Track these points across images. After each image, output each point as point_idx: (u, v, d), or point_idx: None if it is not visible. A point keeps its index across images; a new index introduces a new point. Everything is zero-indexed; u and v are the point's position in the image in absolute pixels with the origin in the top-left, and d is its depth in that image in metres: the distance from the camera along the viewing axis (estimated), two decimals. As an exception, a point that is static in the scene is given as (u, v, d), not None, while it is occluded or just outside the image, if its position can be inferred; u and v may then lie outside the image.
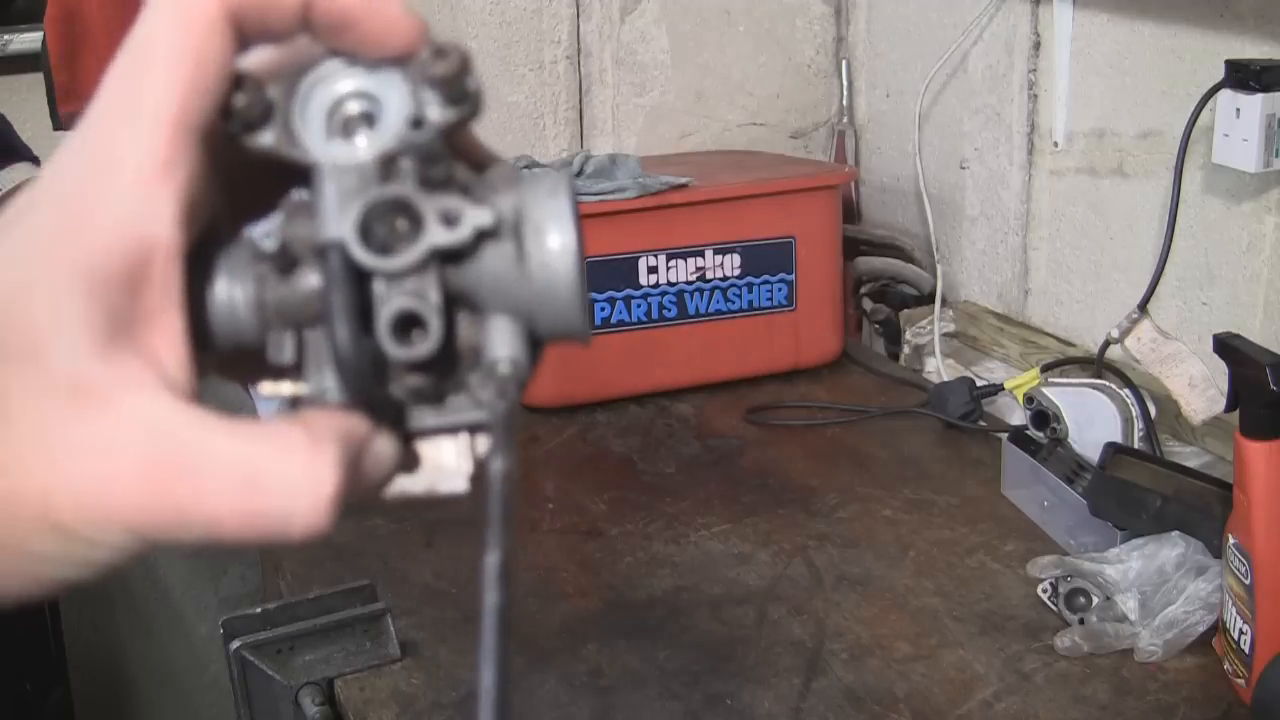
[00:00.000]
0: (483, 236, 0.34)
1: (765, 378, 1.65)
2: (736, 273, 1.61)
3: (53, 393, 0.30)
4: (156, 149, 0.31)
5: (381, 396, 0.34)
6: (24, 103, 1.55)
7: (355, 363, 0.33)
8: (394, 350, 0.33)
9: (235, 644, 1.02)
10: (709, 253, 1.60)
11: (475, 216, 0.33)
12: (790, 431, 1.53)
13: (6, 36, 1.60)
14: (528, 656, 1.07)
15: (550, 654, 1.07)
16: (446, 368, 0.35)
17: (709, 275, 1.60)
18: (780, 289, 1.64)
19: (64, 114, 1.52)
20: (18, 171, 1.42)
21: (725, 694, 1.01)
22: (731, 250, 1.60)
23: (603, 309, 1.56)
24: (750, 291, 1.62)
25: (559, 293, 0.34)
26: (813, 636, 1.09)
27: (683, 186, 1.56)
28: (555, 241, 0.34)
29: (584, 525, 1.30)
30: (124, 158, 0.31)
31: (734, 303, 1.62)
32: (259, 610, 1.04)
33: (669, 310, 1.59)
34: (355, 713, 1.00)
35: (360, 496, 0.34)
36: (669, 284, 1.58)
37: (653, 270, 1.57)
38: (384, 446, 0.34)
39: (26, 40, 1.59)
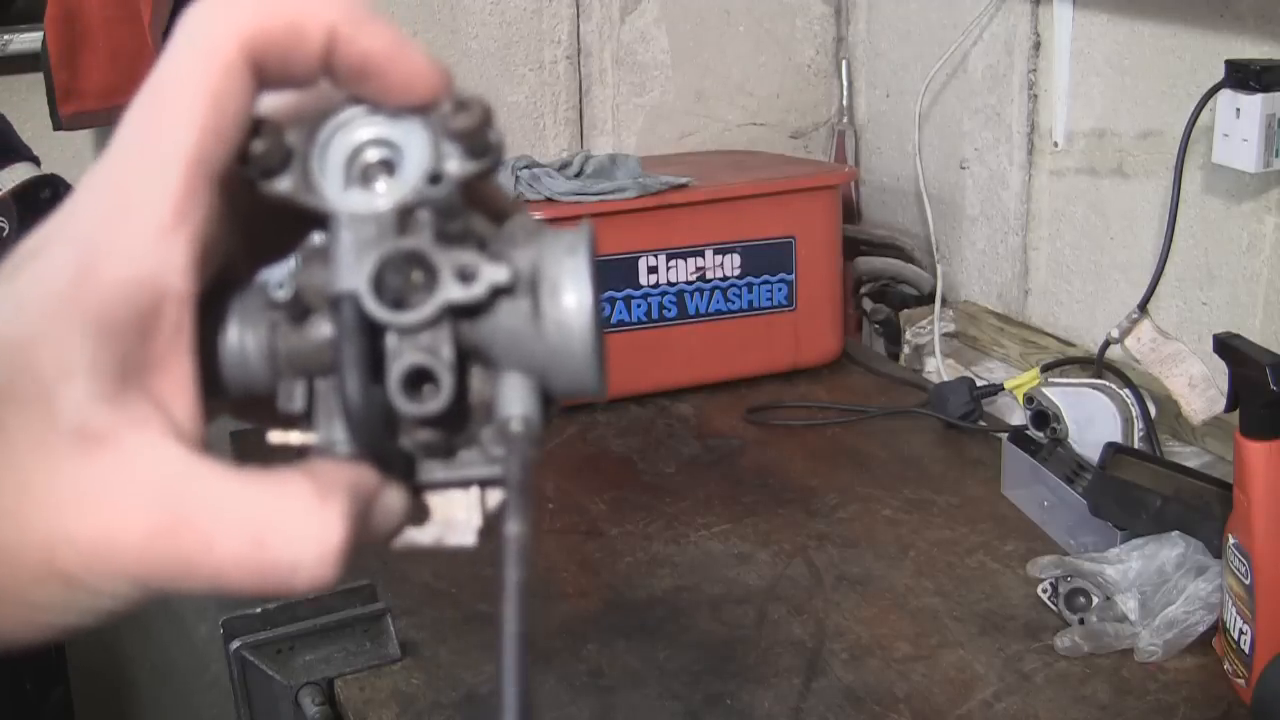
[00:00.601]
0: (498, 293, 0.33)
1: (765, 378, 1.65)
2: (736, 273, 1.61)
3: (60, 438, 0.29)
4: (171, 194, 0.31)
5: (391, 449, 0.34)
6: (24, 103, 1.55)
7: (365, 416, 0.32)
8: (404, 405, 0.33)
9: (235, 644, 1.02)
10: (709, 253, 1.60)
11: (491, 273, 0.33)
12: (790, 431, 1.53)
13: (6, 36, 1.60)
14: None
15: (550, 654, 1.07)
16: (458, 422, 0.35)
17: (709, 275, 1.60)
18: (780, 289, 1.64)
19: (64, 114, 1.52)
20: (18, 171, 1.43)
21: (725, 694, 1.01)
22: (731, 250, 1.60)
23: (603, 309, 1.56)
24: (750, 291, 1.62)
25: (573, 351, 0.34)
26: (813, 636, 1.09)
27: (683, 186, 1.56)
28: (571, 300, 0.33)
29: (584, 525, 1.30)
30: (138, 201, 0.31)
31: (734, 303, 1.62)
32: (259, 610, 1.04)
33: (669, 310, 1.59)
34: (355, 713, 1.00)
35: (367, 545, 0.33)
36: (669, 284, 1.58)
37: (653, 270, 1.57)
38: (393, 499, 0.34)
39: (26, 40, 1.59)
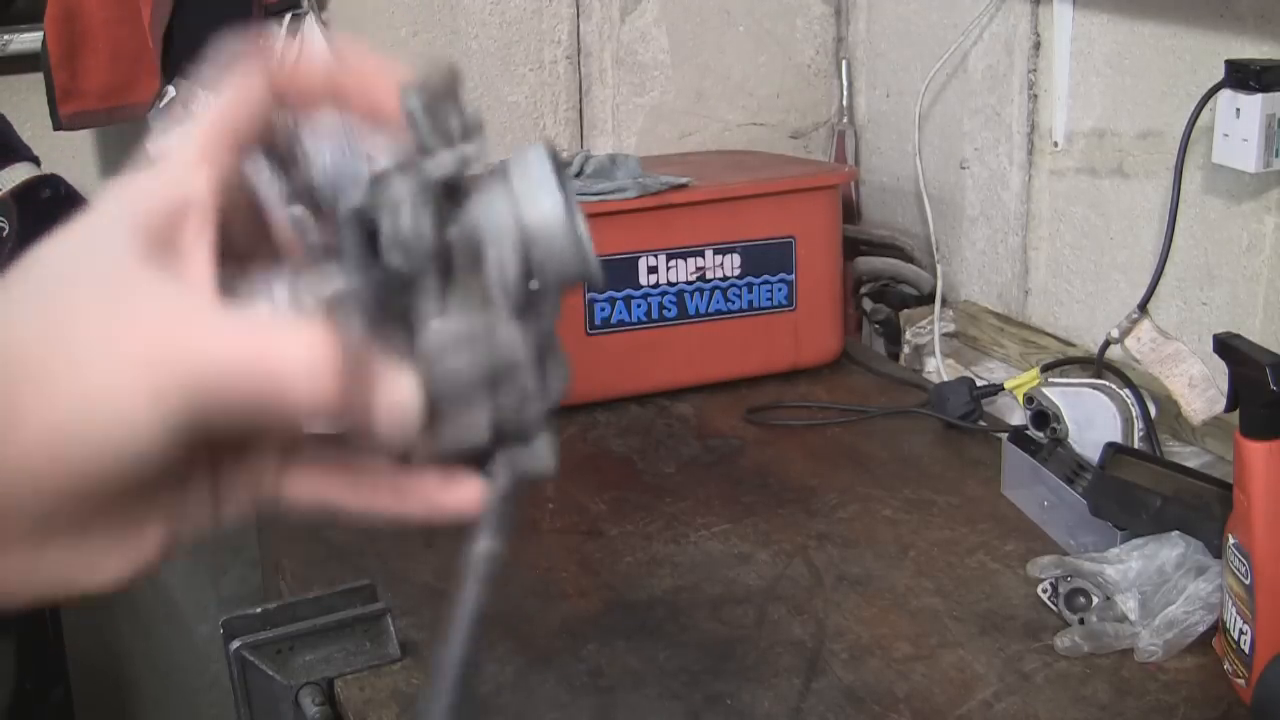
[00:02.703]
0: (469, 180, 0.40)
1: (765, 378, 1.65)
2: (736, 273, 1.61)
3: (100, 280, 0.36)
4: (195, 145, 0.40)
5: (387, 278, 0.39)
6: (24, 103, 1.55)
7: (416, 234, 0.39)
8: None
9: (235, 644, 1.02)
10: (709, 253, 1.60)
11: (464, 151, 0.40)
12: (790, 431, 1.53)
13: (6, 36, 1.60)
14: (527, 656, 1.07)
15: (550, 654, 1.07)
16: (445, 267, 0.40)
17: (709, 275, 1.60)
18: (780, 289, 1.64)
19: (64, 114, 1.52)
20: (18, 171, 1.43)
21: (725, 694, 1.01)
22: (731, 250, 1.60)
23: (603, 309, 1.56)
24: (750, 291, 1.62)
25: (555, 232, 0.39)
26: (813, 636, 1.09)
27: (683, 186, 1.56)
28: (546, 202, 0.39)
29: (584, 525, 1.30)
30: (170, 158, 0.40)
31: (734, 303, 1.62)
32: (259, 610, 1.04)
33: (669, 310, 1.59)
34: (355, 713, 1.00)
35: (384, 442, 0.38)
36: (669, 284, 1.58)
37: (653, 270, 1.57)
38: (404, 381, 0.38)
39: (26, 40, 1.59)
